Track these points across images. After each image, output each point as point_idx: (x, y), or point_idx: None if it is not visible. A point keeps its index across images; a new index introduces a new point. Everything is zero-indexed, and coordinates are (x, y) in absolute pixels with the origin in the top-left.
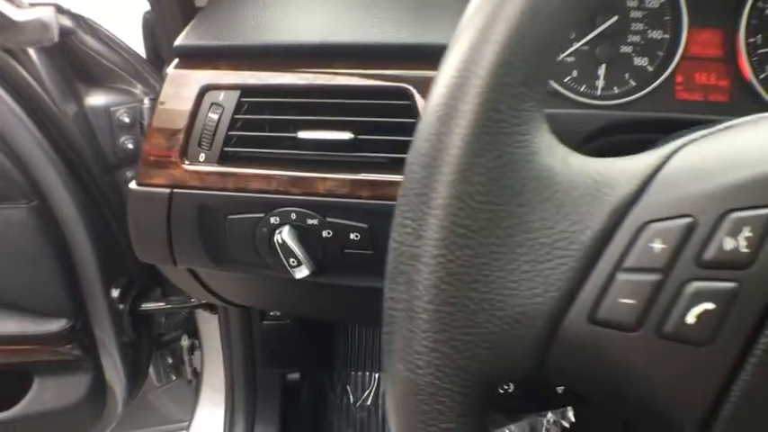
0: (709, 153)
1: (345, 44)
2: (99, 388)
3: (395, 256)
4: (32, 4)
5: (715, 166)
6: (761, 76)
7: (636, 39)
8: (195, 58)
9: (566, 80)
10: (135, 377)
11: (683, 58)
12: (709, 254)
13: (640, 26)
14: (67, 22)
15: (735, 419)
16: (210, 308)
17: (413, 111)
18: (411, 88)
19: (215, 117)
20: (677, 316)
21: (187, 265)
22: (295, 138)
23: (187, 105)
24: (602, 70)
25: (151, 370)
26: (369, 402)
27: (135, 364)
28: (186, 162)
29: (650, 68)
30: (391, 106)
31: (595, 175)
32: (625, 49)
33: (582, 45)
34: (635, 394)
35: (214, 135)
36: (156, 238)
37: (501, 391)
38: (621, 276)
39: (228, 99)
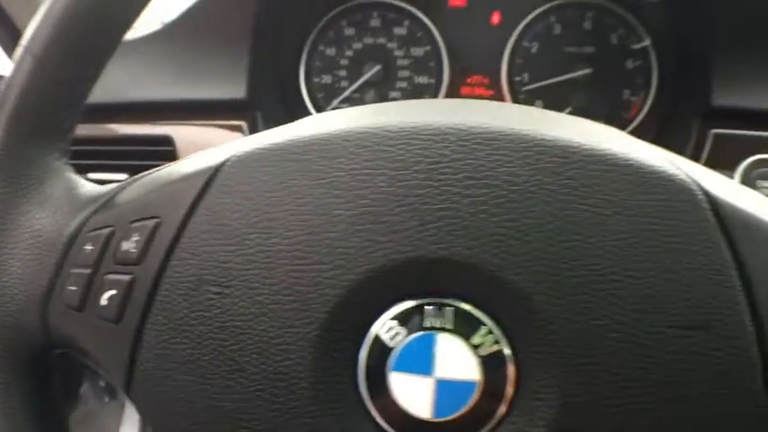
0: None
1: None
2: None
3: None
4: None
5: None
6: None
7: (403, 84)
8: None
9: None
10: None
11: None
12: (119, 254)
13: (407, 73)
14: None
15: (144, 382)
16: None
17: (175, 155)
18: (172, 135)
19: None
20: (96, 300)
21: None
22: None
23: None
24: None
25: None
26: None
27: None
28: None
29: None
30: (160, 152)
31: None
32: (394, 94)
33: (352, 92)
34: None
35: None
36: None
37: None
38: (73, 270)
39: None
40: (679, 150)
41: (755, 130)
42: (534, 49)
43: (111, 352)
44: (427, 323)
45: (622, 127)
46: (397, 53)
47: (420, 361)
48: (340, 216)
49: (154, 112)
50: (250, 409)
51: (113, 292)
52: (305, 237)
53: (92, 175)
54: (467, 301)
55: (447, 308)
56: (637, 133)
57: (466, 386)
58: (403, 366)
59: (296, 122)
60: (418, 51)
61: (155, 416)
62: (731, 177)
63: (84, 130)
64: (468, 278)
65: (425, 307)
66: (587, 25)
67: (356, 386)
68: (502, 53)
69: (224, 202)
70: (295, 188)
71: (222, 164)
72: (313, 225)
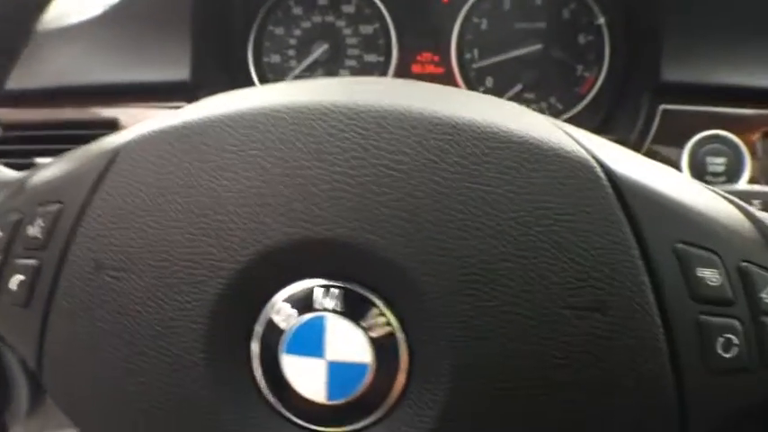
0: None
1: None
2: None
3: None
4: None
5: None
6: (480, 90)
7: (352, 63)
8: None
9: None
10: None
11: (402, 78)
12: (26, 239)
13: (356, 51)
14: None
15: (52, 367)
16: None
17: None
18: (119, 119)
19: None
20: (7, 285)
21: None
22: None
23: None
24: None
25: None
26: None
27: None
28: None
29: None
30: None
31: None
32: (343, 73)
33: (302, 72)
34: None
35: None
36: None
37: None
38: None
39: None
40: (629, 127)
41: (705, 106)
42: (484, 26)
43: (23, 337)
44: (317, 305)
45: (575, 103)
46: (346, 31)
47: (311, 343)
48: (229, 198)
49: (100, 95)
50: (151, 393)
51: (22, 277)
52: (196, 219)
53: (39, 160)
54: (356, 283)
55: (337, 289)
56: (589, 109)
57: (358, 368)
58: (295, 349)
59: (194, 103)
60: (367, 29)
61: (63, 399)
62: (680, 154)
63: (30, 114)
64: (356, 259)
65: (315, 289)
66: (538, 1)
67: (251, 370)
68: (451, 30)
69: (121, 186)
70: (186, 171)
71: (121, 147)
72: (203, 207)
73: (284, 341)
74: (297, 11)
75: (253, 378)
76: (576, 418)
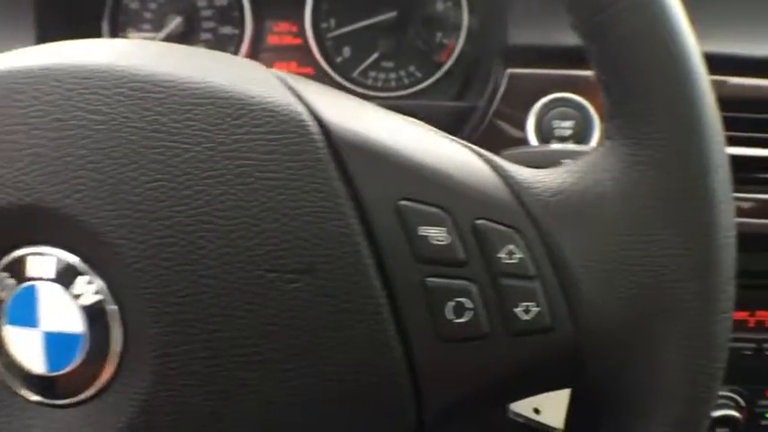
0: None
1: None
2: None
3: None
4: None
5: None
6: (337, 60)
7: (208, 36)
8: None
9: None
10: None
11: (262, 50)
12: None
13: (211, 24)
14: None
15: None
16: None
17: None
18: None
19: None
20: None
21: None
22: None
23: None
24: None
25: None
26: None
27: None
28: None
29: None
30: None
31: None
32: (199, 46)
33: None
34: None
35: None
36: None
37: None
38: None
39: None
40: (481, 92)
41: (553, 69)
42: None
43: None
44: (30, 273)
45: (434, 71)
46: (201, 4)
47: (26, 313)
48: None
49: None
50: None
51: None
52: None
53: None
54: (63, 248)
55: (46, 257)
56: (448, 77)
57: (72, 339)
58: (14, 319)
59: None
60: (222, 1)
61: None
62: (526, 118)
63: None
64: (60, 225)
65: (28, 257)
66: None
67: None
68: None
69: None
70: None
71: None
72: None
73: (5, 312)
74: None
75: None
76: (292, 389)
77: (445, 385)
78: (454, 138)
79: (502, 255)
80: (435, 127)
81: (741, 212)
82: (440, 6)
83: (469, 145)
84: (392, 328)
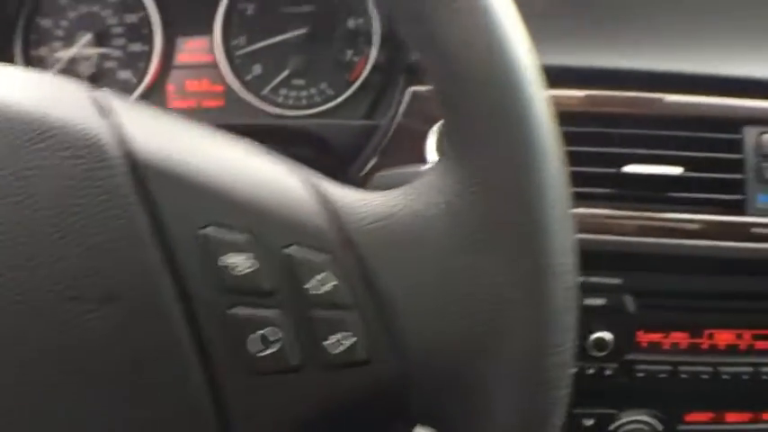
0: None
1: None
2: None
3: None
4: None
5: None
6: (247, 78)
7: (118, 53)
8: None
9: None
10: None
11: (174, 67)
12: None
13: (122, 41)
14: None
15: None
16: None
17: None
18: None
19: None
20: None
21: None
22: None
23: None
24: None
25: None
26: None
27: None
28: None
29: (135, 80)
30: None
31: None
32: (109, 64)
33: (67, 63)
34: None
35: None
36: None
37: None
38: None
39: None
40: (387, 112)
41: None
42: (250, 11)
43: None
44: None
45: (345, 89)
46: (111, 21)
47: None
48: None
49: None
50: None
51: None
52: None
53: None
54: None
55: None
56: (358, 95)
57: None
58: None
59: None
60: (132, 18)
61: None
62: (427, 139)
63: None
64: None
65: None
66: None
67: None
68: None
69: None
70: None
71: None
72: None
73: None
74: (64, 1)
75: None
76: (93, 422)
77: (256, 420)
78: (286, 159)
79: (311, 284)
80: (344, 145)
81: (685, 234)
82: (351, 24)
83: (299, 167)
84: (194, 360)
